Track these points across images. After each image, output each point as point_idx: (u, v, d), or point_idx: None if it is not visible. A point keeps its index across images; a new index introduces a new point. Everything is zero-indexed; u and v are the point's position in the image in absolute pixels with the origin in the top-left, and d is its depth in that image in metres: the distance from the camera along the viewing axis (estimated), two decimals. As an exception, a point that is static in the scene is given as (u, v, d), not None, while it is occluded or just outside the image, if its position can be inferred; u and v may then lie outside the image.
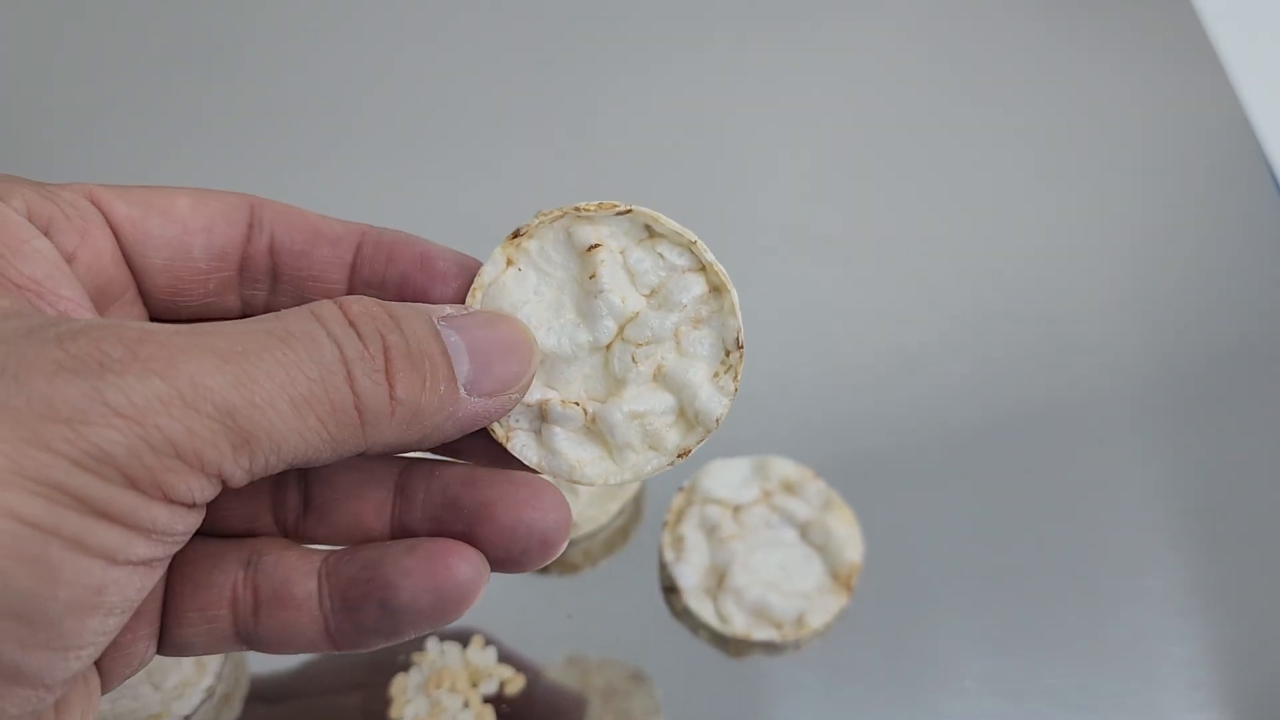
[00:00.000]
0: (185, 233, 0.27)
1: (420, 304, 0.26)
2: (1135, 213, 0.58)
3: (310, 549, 0.27)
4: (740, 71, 0.63)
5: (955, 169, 0.60)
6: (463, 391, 0.25)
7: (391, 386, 0.23)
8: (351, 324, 0.24)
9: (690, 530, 0.45)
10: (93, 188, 0.27)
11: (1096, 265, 0.56)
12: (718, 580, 0.44)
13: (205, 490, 0.22)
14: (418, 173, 0.58)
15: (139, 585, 0.22)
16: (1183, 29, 0.64)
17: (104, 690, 0.26)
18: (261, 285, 0.28)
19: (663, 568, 0.46)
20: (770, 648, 0.44)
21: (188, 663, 0.40)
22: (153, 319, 0.28)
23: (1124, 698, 0.44)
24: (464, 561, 0.25)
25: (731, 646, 0.45)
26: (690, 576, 0.45)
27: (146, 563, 0.22)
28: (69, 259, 0.25)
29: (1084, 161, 0.60)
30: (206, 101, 0.61)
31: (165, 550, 0.22)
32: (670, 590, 0.45)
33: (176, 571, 0.26)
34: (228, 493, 0.23)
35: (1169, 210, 0.58)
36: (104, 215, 0.27)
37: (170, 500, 0.21)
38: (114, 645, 0.25)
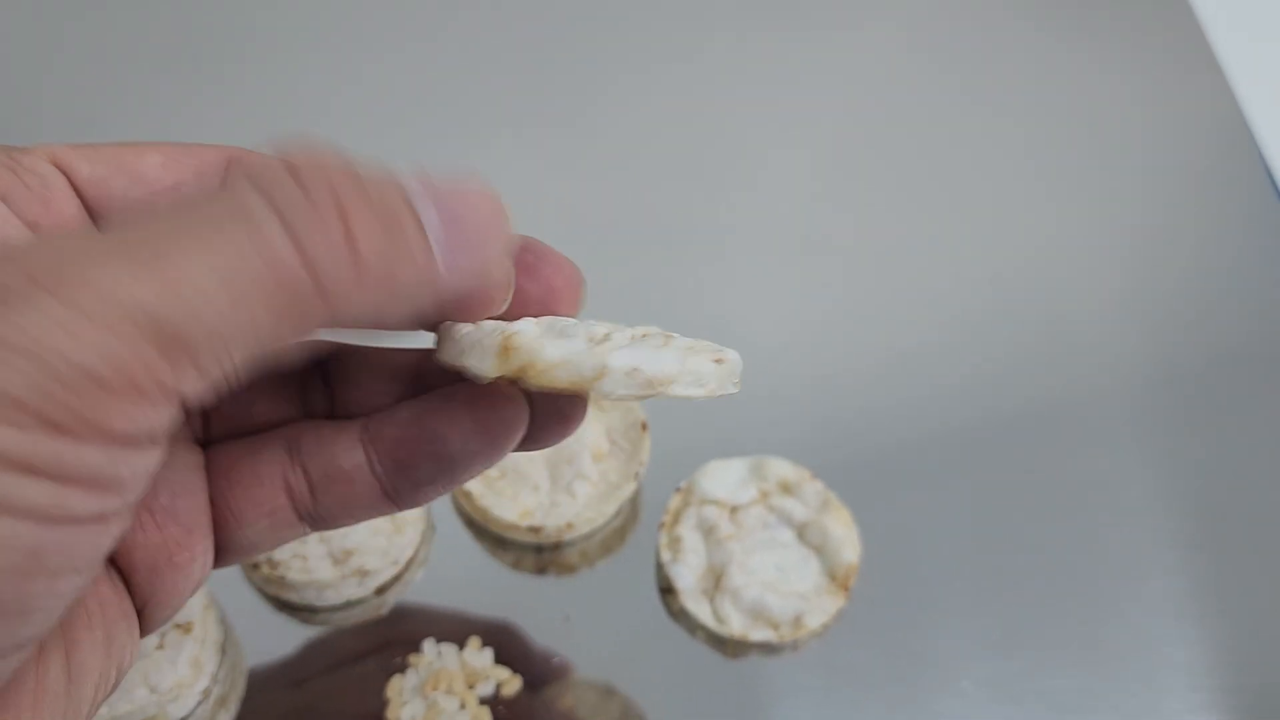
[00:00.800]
0: (151, 194, 0.25)
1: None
2: (1133, 213, 0.58)
3: (344, 422, 0.26)
4: (739, 72, 0.63)
5: (952, 170, 0.59)
6: (440, 264, 0.22)
7: (355, 246, 0.20)
8: (298, 182, 0.20)
9: (687, 531, 0.45)
10: (56, 149, 0.25)
11: (1095, 266, 0.56)
12: (715, 581, 0.44)
13: (154, 417, 0.19)
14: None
15: (95, 543, 0.20)
16: (1180, 29, 0.64)
17: (160, 621, 0.25)
18: None
19: (659, 569, 0.46)
20: (768, 648, 0.44)
21: (184, 664, 0.40)
22: None
23: (1123, 700, 0.44)
24: (504, 396, 0.25)
25: (728, 647, 0.44)
26: (687, 577, 0.44)
27: (97, 518, 0.19)
28: (32, 228, 0.24)
29: (1082, 162, 0.59)
30: (196, 99, 0.60)
31: (118, 501, 0.20)
32: (667, 591, 0.45)
33: (221, 478, 0.26)
34: (246, 398, 0.23)
35: (1167, 211, 0.58)
36: (68, 179, 0.25)
37: (110, 438, 0.19)
38: (169, 567, 0.25)
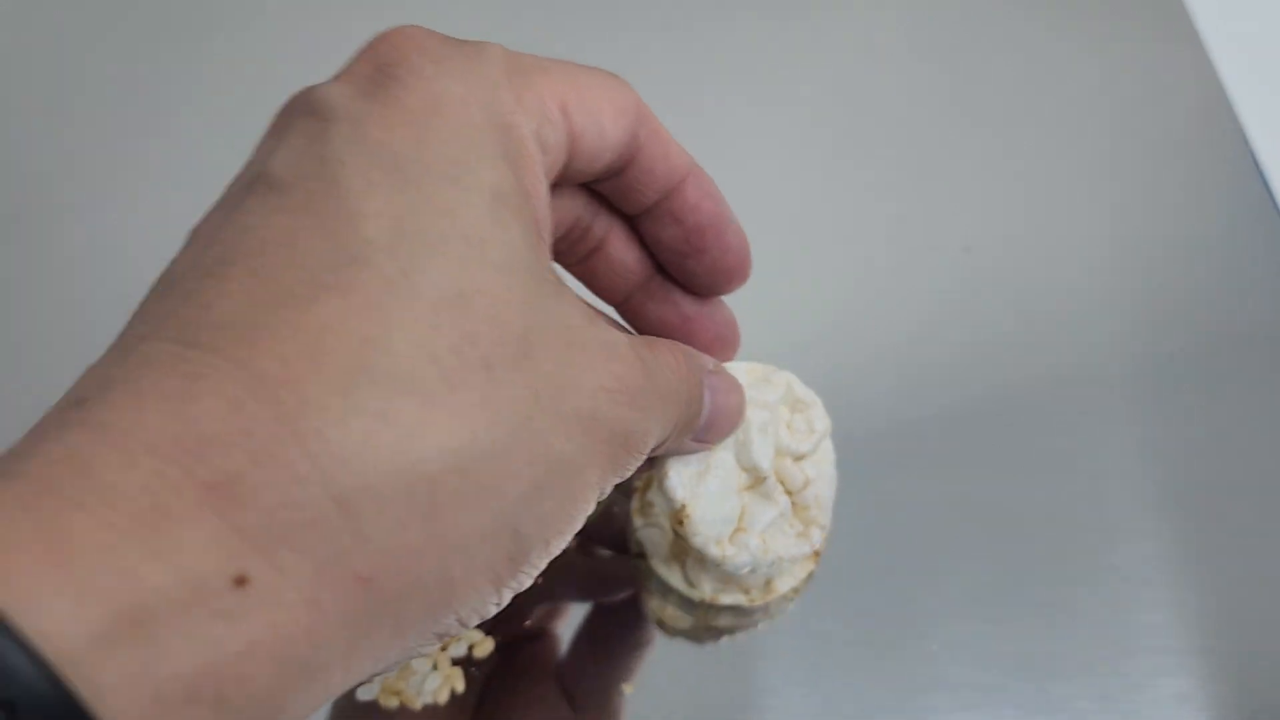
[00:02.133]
0: (608, 146, 0.29)
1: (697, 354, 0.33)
2: (1117, 194, 0.58)
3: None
4: (730, 54, 0.63)
5: (935, 150, 0.59)
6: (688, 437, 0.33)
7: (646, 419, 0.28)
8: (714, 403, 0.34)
9: (658, 497, 0.45)
10: (562, 88, 0.26)
11: (1077, 247, 0.56)
12: (684, 547, 0.44)
13: None
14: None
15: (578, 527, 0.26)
16: (1165, 11, 0.64)
17: None
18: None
19: (632, 533, 0.46)
20: (738, 612, 0.44)
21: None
22: None
23: (1093, 664, 0.44)
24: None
25: (700, 612, 0.45)
26: (658, 542, 0.44)
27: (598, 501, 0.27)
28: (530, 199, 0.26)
29: (1067, 143, 0.60)
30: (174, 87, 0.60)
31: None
32: (639, 556, 0.45)
33: None
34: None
35: (1151, 192, 0.58)
36: (568, 131, 0.27)
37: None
38: None
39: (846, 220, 0.57)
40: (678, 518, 0.42)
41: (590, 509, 0.26)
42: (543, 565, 0.25)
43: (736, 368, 0.44)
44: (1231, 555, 0.47)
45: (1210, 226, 0.57)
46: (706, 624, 0.44)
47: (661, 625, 0.45)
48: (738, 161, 0.58)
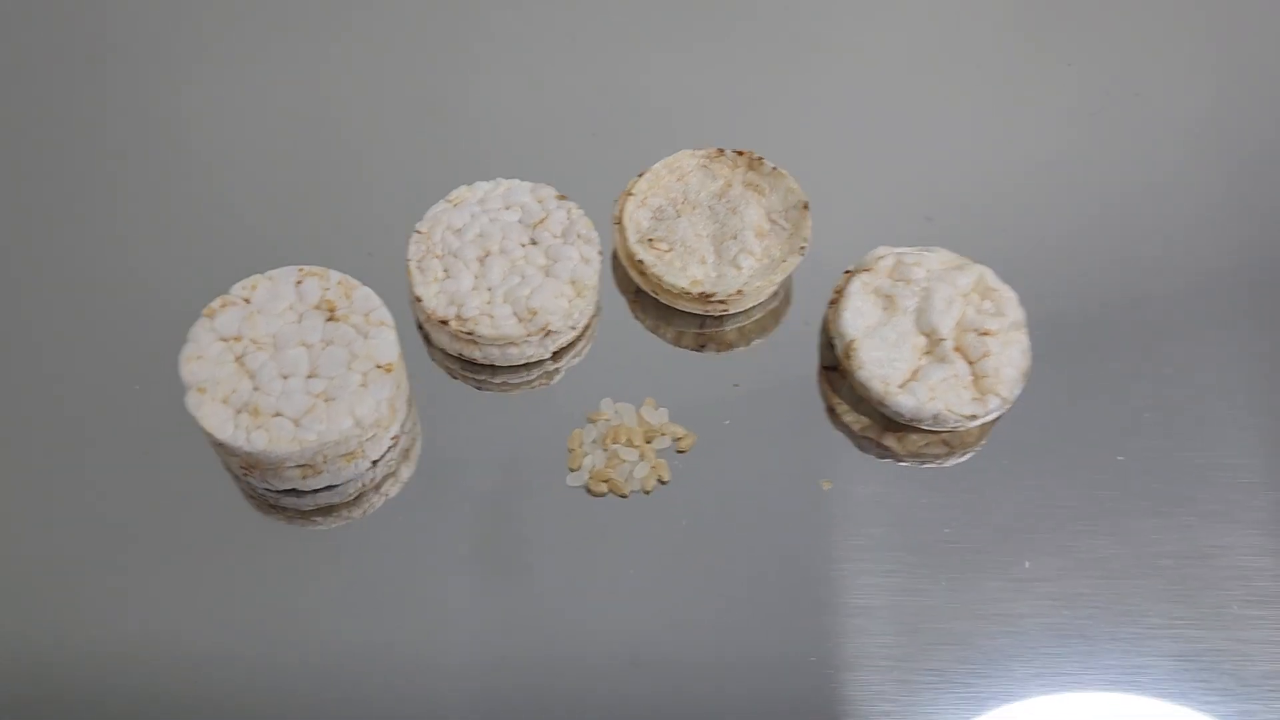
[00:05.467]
0: None
1: None
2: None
3: None
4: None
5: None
6: None
7: None
8: None
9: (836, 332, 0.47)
10: None
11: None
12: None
13: None
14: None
15: None
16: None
17: None
18: None
19: (826, 344, 0.48)
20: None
21: (384, 404, 0.42)
22: None
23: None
24: None
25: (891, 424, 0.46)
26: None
27: None
28: None
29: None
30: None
31: None
32: (830, 368, 0.47)
33: None
34: None
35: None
36: None
37: None
38: None
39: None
40: (846, 351, 0.46)
41: None
42: None
43: (933, 255, 0.48)
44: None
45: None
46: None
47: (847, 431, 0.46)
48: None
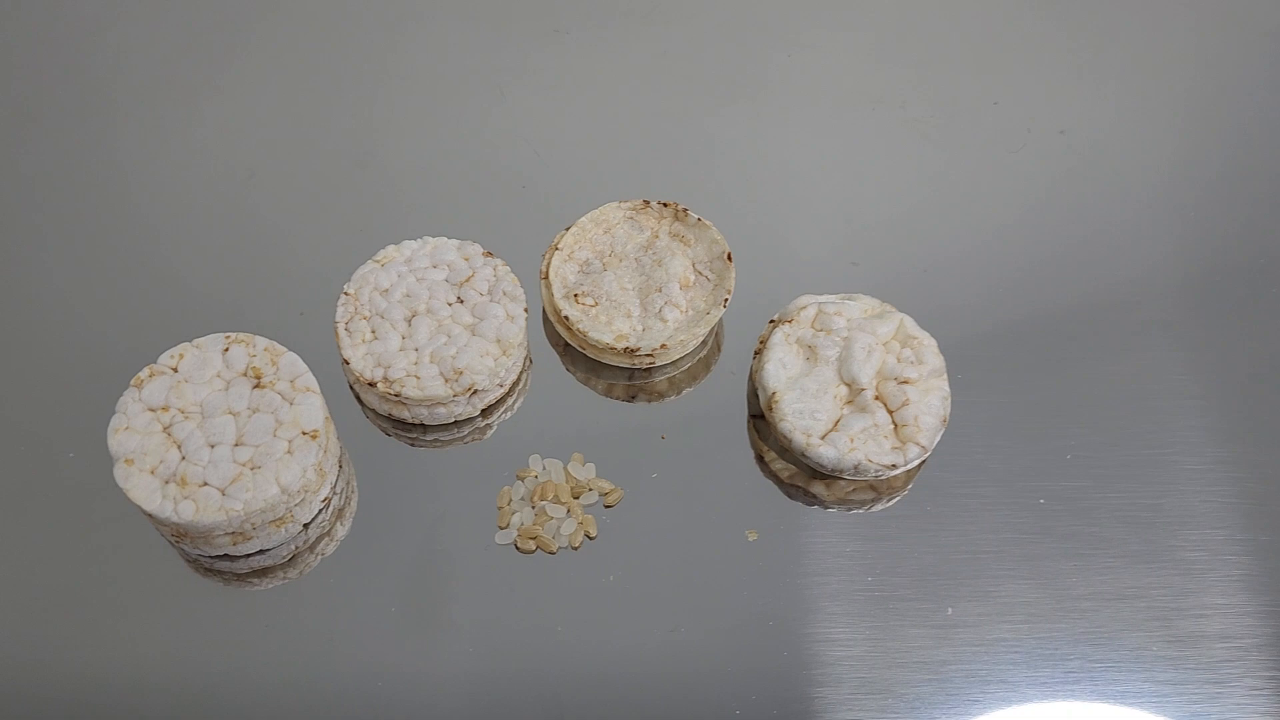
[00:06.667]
0: None
1: None
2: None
3: None
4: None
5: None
6: None
7: None
8: None
9: (759, 383, 0.47)
10: None
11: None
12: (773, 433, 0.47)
13: None
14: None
15: None
16: None
17: None
18: None
19: (751, 395, 0.48)
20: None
21: (310, 469, 0.43)
22: None
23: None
24: None
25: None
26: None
27: None
28: None
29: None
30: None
31: None
32: (757, 416, 0.48)
33: None
34: None
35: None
36: None
37: None
38: None
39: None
40: (769, 404, 0.46)
41: None
42: None
43: (855, 303, 0.48)
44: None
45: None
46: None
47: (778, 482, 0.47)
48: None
